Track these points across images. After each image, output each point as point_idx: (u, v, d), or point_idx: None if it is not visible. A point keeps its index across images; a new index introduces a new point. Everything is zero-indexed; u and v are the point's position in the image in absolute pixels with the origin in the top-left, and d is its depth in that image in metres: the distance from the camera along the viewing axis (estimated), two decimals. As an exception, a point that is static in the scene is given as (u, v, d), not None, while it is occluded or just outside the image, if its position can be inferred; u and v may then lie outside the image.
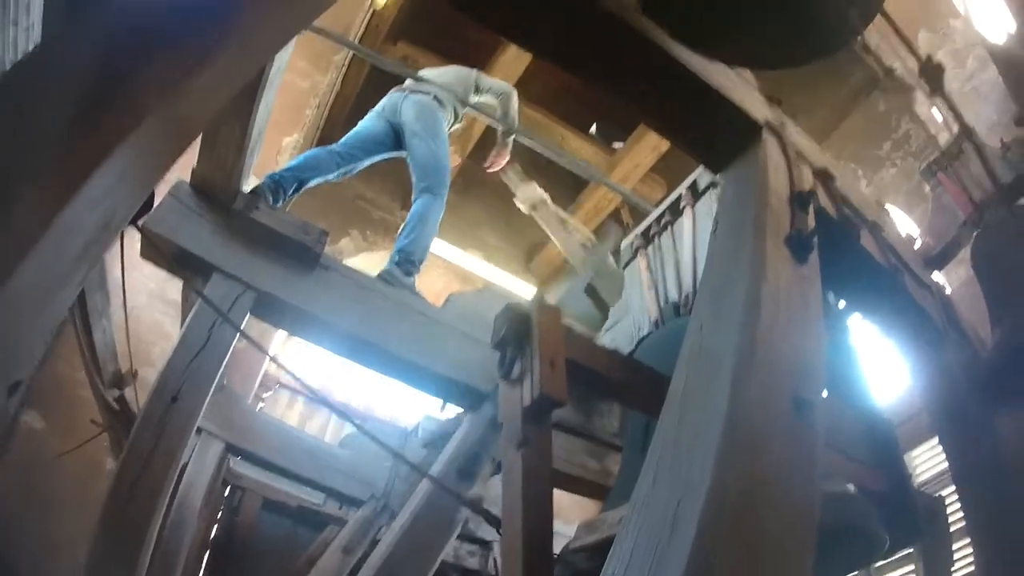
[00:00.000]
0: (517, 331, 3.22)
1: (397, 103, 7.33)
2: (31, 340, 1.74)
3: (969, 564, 4.22)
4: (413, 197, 6.77)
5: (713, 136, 3.29)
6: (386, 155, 7.25)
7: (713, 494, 1.70)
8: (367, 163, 7.06)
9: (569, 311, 6.58)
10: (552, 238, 8.42)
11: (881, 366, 8.71)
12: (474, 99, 7.93)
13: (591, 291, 7.15)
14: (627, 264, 5.34)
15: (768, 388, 2.04)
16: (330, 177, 6.64)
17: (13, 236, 1.47)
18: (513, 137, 8.11)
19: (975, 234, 5.18)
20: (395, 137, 7.23)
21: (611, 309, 5.97)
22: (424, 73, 7.96)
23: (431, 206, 6.61)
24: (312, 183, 6.33)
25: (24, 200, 1.50)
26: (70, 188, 1.56)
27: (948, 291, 5.36)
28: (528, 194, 8.44)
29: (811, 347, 2.35)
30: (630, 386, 3.52)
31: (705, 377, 2.14)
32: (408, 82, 7.71)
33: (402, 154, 7.27)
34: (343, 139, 7.06)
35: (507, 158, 8.23)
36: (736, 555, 1.69)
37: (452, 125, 7.76)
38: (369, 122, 7.31)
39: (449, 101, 7.58)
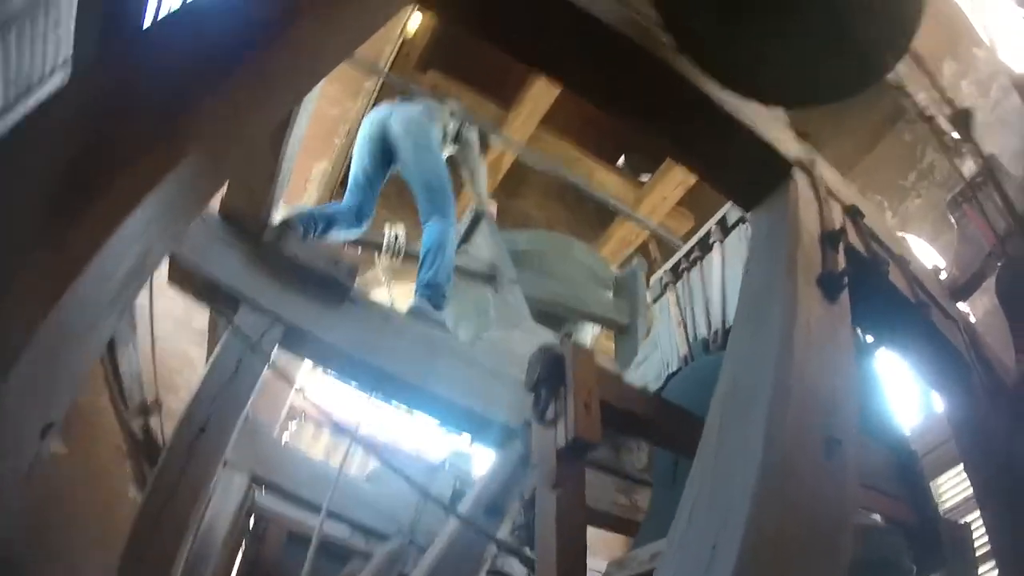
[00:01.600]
0: (551, 373, 3.21)
1: (385, 118, 7.08)
2: (66, 380, 1.74)
3: (995, 590, 4.21)
4: (422, 220, 6.65)
5: (744, 174, 3.31)
6: (385, 179, 7.08)
7: (749, 534, 1.71)
8: (376, 198, 6.94)
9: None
10: None
11: (906, 396, 8.71)
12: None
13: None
14: (656, 299, 5.34)
15: (801, 427, 2.05)
16: (352, 234, 6.62)
17: (50, 278, 1.47)
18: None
19: (999, 264, 5.19)
20: (387, 155, 7.02)
21: (640, 345, 5.96)
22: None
23: (445, 230, 6.51)
24: (339, 233, 6.34)
25: (59, 243, 1.51)
26: (112, 222, 1.57)
27: (973, 320, 5.35)
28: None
29: (843, 386, 2.36)
30: (660, 425, 3.52)
31: (740, 416, 2.15)
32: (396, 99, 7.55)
33: (396, 169, 7.09)
34: (347, 193, 6.91)
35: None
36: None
37: (444, 144, 7.44)
38: (359, 163, 7.06)
39: (439, 117, 7.34)
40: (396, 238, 6.68)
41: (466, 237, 7.76)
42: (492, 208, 8.01)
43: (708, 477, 2.05)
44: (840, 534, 1.95)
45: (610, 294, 7.87)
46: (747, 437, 2.02)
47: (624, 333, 7.60)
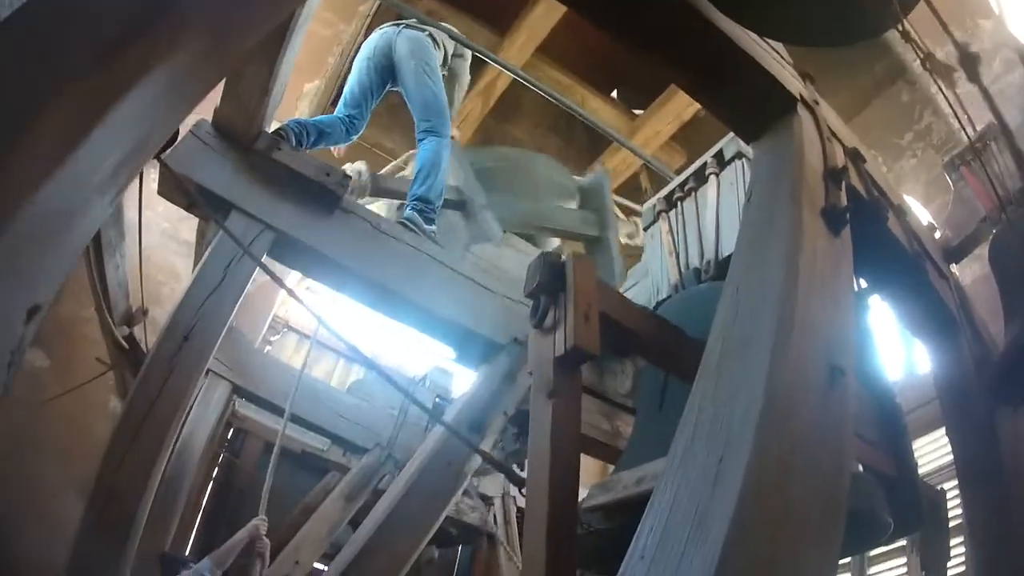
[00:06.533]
0: (552, 280, 3.18)
1: (391, 38, 7.21)
2: (55, 262, 1.70)
3: (962, 563, 4.19)
4: (418, 138, 6.73)
5: (750, 106, 3.29)
6: (381, 96, 7.20)
7: (756, 453, 1.70)
8: (369, 114, 7.06)
9: None
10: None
11: (890, 351, 8.73)
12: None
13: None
14: (648, 227, 5.30)
15: (806, 354, 2.04)
16: (342, 144, 6.80)
17: (43, 149, 1.44)
18: None
19: (995, 230, 5.15)
20: (387, 74, 7.16)
21: (630, 270, 5.94)
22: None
23: (439, 148, 6.58)
24: (327, 143, 6.47)
25: (58, 113, 1.47)
26: (106, 104, 1.54)
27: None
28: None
29: (844, 317, 2.35)
30: (657, 343, 3.49)
31: (743, 340, 2.13)
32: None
33: (396, 89, 7.22)
34: (340, 105, 7.01)
35: None
36: (777, 512, 1.69)
37: (443, 67, 7.56)
38: (356, 77, 7.18)
39: (441, 42, 7.47)
40: (359, 175, 6.66)
41: None
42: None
43: (711, 396, 2.03)
44: (842, 461, 1.95)
45: (575, 205, 7.81)
46: (752, 359, 2.00)
47: (597, 244, 7.55)
